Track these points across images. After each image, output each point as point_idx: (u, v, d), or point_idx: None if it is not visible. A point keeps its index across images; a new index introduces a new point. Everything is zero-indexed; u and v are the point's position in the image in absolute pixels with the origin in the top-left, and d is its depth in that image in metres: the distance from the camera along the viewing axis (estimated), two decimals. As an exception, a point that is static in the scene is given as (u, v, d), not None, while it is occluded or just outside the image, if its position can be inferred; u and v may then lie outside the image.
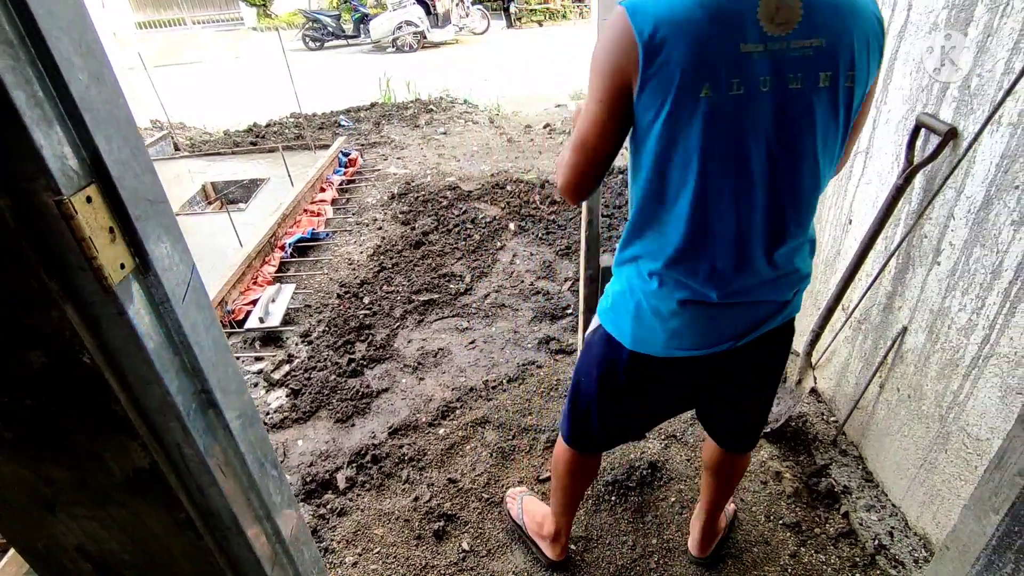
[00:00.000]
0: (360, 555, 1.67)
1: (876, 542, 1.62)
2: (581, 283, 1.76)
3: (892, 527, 1.65)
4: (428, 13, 11.61)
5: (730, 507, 1.73)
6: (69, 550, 0.74)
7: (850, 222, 1.87)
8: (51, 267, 0.51)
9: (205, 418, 0.68)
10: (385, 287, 3.02)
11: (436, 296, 2.90)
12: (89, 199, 0.51)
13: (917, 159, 1.51)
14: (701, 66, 0.82)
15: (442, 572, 1.62)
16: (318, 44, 12.42)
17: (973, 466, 1.40)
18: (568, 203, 1.10)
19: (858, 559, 1.59)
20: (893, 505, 1.71)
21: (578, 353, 1.33)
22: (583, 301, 1.78)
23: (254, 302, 2.91)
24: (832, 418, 2.04)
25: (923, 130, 1.49)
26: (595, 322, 1.22)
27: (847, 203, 1.88)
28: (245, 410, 0.76)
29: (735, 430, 1.37)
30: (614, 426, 1.30)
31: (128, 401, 0.61)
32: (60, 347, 0.55)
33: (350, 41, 12.51)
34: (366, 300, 2.91)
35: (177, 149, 5.62)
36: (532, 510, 1.68)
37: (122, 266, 0.55)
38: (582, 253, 1.74)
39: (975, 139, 1.29)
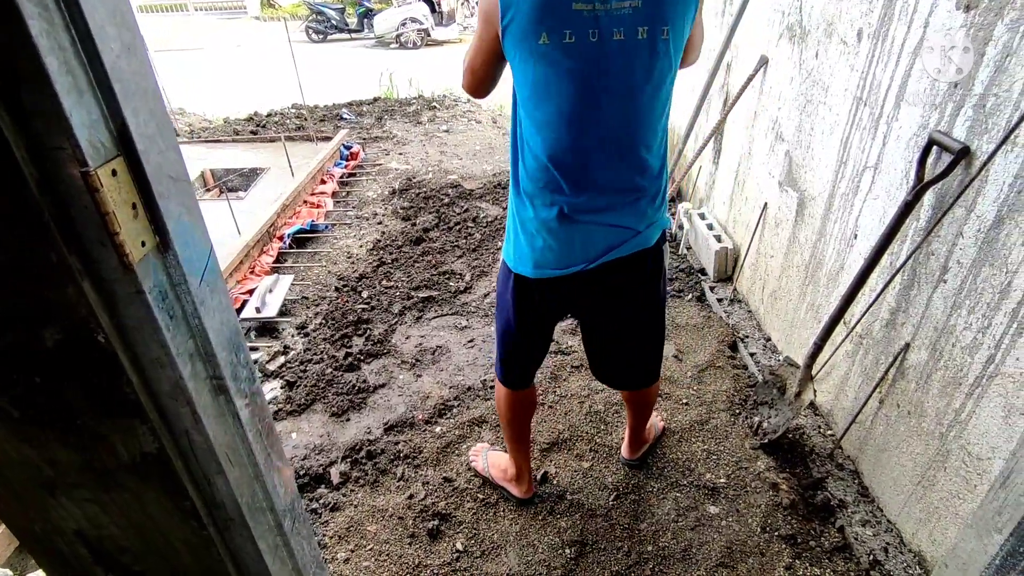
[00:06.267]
0: (352, 551, 1.65)
1: (871, 558, 1.62)
2: None
3: (887, 543, 1.65)
4: (433, 11, 11.60)
5: (659, 424, 2.04)
6: (67, 534, 0.72)
7: (855, 236, 1.88)
8: (72, 241, 0.50)
9: (215, 404, 0.67)
10: (384, 282, 3.00)
11: (435, 293, 2.88)
12: (114, 172, 0.50)
13: (928, 176, 1.51)
14: (539, 19, 1.06)
15: (435, 572, 1.60)
16: (321, 37, 12.37)
17: (973, 485, 1.40)
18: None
19: (853, 574, 1.59)
20: (889, 521, 1.71)
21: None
22: None
23: (251, 292, 2.88)
24: (829, 431, 2.04)
25: (935, 147, 1.49)
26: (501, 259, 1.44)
27: (853, 218, 1.89)
28: (255, 398, 0.74)
29: (616, 368, 1.60)
30: (522, 349, 1.50)
31: (140, 383, 0.59)
32: (75, 324, 0.54)
33: (353, 35, 12.47)
34: (364, 294, 2.89)
35: (176, 135, 5.56)
36: (495, 461, 1.87)
37: (143, 243, 0.54)
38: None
39: (989, 159, 1.30)
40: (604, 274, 1.31)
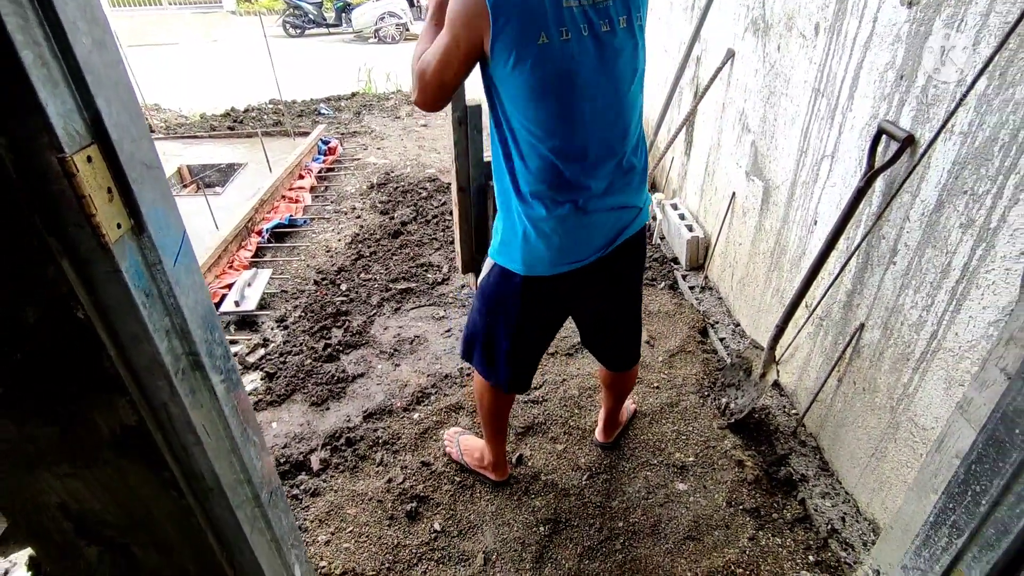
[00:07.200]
0: (333, 534, 1.70)
1: (829, 527, 1.70)
2: (453, 197, 1.90)
3: (844, 513, 1.74)
4: (411, 5, 11.54)
5: (631, 407, 2.11)
6: (51, 508, 0.75)
7: (815, 223, 1.96)
8: (50, 223, 0.53)
9: (192, 379, 0.71)
10: (362, 275, 3.02)
11: (413, 285, 2.92)
12: (90, 159, 0.54)
13: (878, 163, 1.59)
14: (535, 20, 1.09)
15: (413, 551, 1.65)
16: (299, 31, 12.24)
17: (919, 454, 1.48)
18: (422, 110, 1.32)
19: (812, 543, 1.68)
20: (846, 492, 1.80)
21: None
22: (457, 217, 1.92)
23: (229, 286, 2.89)
24: (793, 410, 2.12)
25: (884, 136, 1.57)
26: (488, 265, 1.42)
27: (813, 205, 1.96)
28: (230, 375, 0.78)
29: (615, 350, 1.67)
30: (528, 354, 1.53)
31: (119, 358, 0.63)
32: (56, 302, 0.57)
33: (331, 30, 12.36)
34: (343, 287, 2.92)
35: (152, 131, 5.51)
36: (469, 446, 1.91)
37: (119, 225, 0.58)
38: (453, 173, 1.88)
39: (929, 146, 1.37)
40: (611, 260, 1.37)
